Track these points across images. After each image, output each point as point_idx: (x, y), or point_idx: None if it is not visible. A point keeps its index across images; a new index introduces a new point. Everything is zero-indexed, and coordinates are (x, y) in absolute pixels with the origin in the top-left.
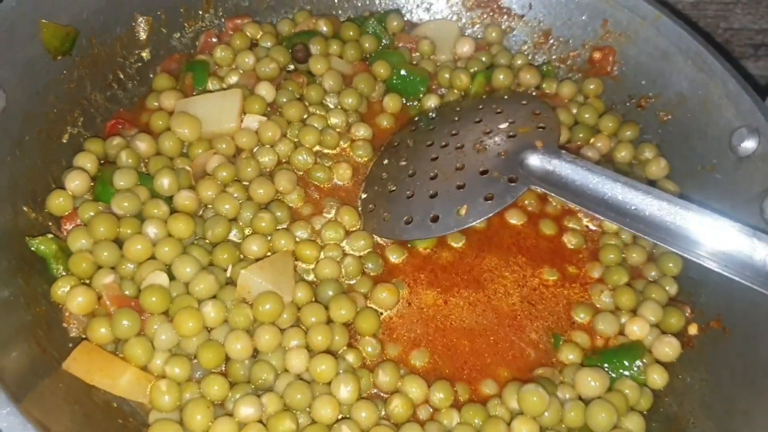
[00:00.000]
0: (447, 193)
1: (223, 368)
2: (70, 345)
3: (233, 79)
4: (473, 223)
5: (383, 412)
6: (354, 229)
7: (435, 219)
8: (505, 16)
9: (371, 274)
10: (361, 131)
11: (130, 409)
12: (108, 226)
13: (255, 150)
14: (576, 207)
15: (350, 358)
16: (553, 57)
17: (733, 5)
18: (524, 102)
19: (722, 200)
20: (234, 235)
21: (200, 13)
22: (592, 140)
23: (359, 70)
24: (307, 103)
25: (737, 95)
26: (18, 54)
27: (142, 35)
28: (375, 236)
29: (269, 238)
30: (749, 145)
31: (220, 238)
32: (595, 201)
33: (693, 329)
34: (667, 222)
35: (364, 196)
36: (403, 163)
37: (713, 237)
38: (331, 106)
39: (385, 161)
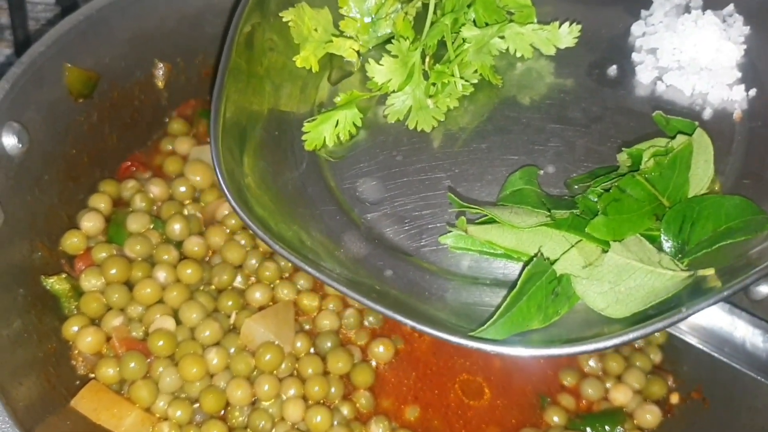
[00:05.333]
0: None
1: (223, 413)
2: (78, 383)
3: None
4: None
5: None
6: None
7: None
8: None
9: (370, 327)
10: None
11: None
12: (120, 269)
13: None
14: None
15: (345, 410)
16: None
17: None
18: None
19: None
20: (238, 282)
21: None
22: None
23: None
24: None
25: None
26: (44, 96)
27: (160, 80)
28: None
29: (272, 286)
30: None
31: (226, 285)
32: None
33: (674, 398)
34: None
35: None
36: None
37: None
38: None
39: None
